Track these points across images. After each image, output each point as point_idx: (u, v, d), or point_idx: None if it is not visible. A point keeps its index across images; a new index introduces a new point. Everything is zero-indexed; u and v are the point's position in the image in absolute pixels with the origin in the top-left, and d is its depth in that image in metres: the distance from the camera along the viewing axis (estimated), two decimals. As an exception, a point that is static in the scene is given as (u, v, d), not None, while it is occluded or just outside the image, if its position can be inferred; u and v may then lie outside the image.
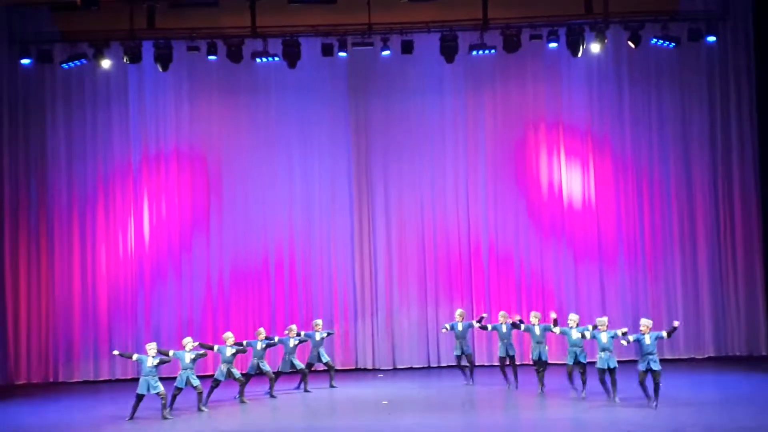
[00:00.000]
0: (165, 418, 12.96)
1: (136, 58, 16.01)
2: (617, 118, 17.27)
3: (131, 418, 12.96)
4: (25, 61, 16.25)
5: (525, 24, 16.20)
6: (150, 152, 17.26)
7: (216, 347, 14.11)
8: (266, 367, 14.51)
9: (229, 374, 13.96)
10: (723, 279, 17.04)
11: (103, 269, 17.06)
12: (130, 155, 17.20)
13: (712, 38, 16.23)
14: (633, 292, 17.07)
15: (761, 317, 16.88)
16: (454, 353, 15.07)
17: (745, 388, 14.17)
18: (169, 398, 13.18)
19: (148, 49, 16.11)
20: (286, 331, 15.08)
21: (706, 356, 16.99)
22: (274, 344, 14.71)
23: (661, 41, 16.13)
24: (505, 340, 14.49)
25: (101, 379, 16.88)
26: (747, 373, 15.35)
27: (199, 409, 13.42)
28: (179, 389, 13.30)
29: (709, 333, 17.01)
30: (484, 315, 15.30)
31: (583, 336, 13.32)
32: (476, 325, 14.95)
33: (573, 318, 13.71)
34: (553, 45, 16.26)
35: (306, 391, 14.91)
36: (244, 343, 14.44)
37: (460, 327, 14.94)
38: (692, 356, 16.97)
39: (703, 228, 17.12)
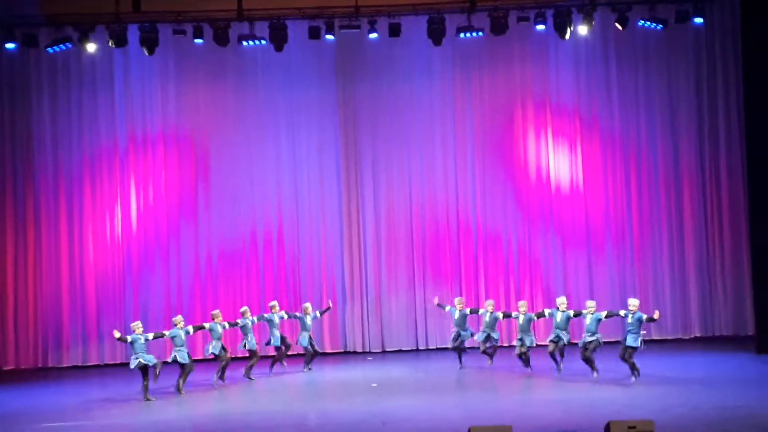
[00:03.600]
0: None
1: (121, 41, 15.89)
2: (605, 99, 17.29)
3: (147, 398, 13.11)
4: (9, 45, 16.09)
5: (512, 6, 16.15)
6: (137, 136, 17.19)
7: (207, 325, 14.23)
8: (254, 346, 14.61)
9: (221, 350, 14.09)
10: (710, 259, 17.13)
11: (90, 254, 17.01)
12: (117, 139, 17.11)
13: (699, 20, 16.23)
14: (620, 273, 17.16)
15: (747, 297, 16.92)
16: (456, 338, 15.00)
17: (731, 367, 14.28)
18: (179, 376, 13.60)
19: (133, 33, 15.99)
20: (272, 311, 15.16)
21: (692, 336, 17.10)
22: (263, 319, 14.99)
23: (649, 23, 16.13)
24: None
25: (90, 364, 16.85)
26: (733, 353, 15.46)
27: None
28: (188, 365, 13.52)
29: (696, 313, 17.11)
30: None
31: (569, 318, 13.64)
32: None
33: (561, 301, 13.84)
34: (540, 27, 16.22)
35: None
36: (239, 321, 14.65)
37: (457, 314, 14.97)
38: (679, 336, 17.07)
39: (690, 208, 17.19)
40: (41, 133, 17.00)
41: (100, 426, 12.01)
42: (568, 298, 14.47)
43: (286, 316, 15.24)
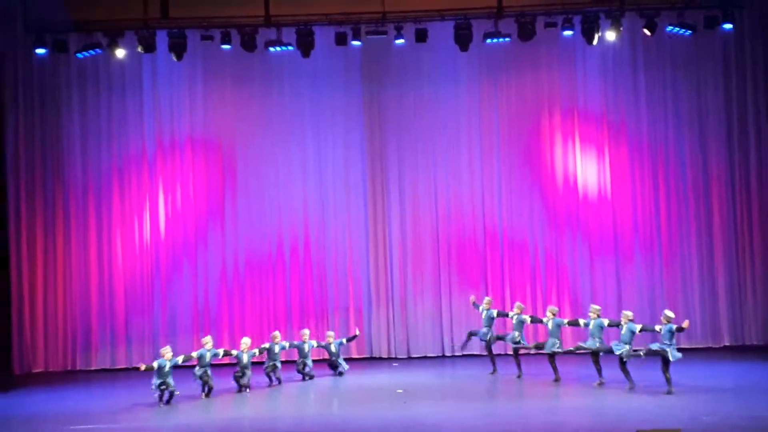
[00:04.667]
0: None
1: (150, 47, 16.04)
2: (633, 106, 17.18)
3: (163, 402, 13.25)
4: (40, 51, 16.28)
5: (540, 12, 16.14)
6: (164, 141, 17.30)
7: (234, 353, 14.32)
8: (279, 372, 14.71)
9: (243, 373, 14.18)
10: (739, 268, 16.96)
11: (119, 257, 17.13)
12: (145, 144, 17.24)
13: (728, 26, 16.11)
14: (649, 281, 17.02)
15: (777, 306, 16.81)
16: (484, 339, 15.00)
17: (761, 377, 14.12)
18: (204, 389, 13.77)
19: (162, 39, 16.14)
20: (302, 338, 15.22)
21: (722, 345, 16.92)
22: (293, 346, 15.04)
23: (677, 29, 16.03)
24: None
25: (118, 367, 16.97)
26: (763, 363, 15.28)
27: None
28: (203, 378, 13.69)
29: (726, 322, 16.95)
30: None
31: (601, 326, 13.45)
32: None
33: (594, 309, 13.69)
34: (568, 33, 16.17)
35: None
36: (266, 345, 14.70)
37: (484, 314, 14.96)
38: (709, 345, 16.91)
39: (719, 216, 17.04)
40: (70, 138, 17.16)
41: (128, 429, 12.08)
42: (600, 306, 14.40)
43: (287, 346, 14.97)
